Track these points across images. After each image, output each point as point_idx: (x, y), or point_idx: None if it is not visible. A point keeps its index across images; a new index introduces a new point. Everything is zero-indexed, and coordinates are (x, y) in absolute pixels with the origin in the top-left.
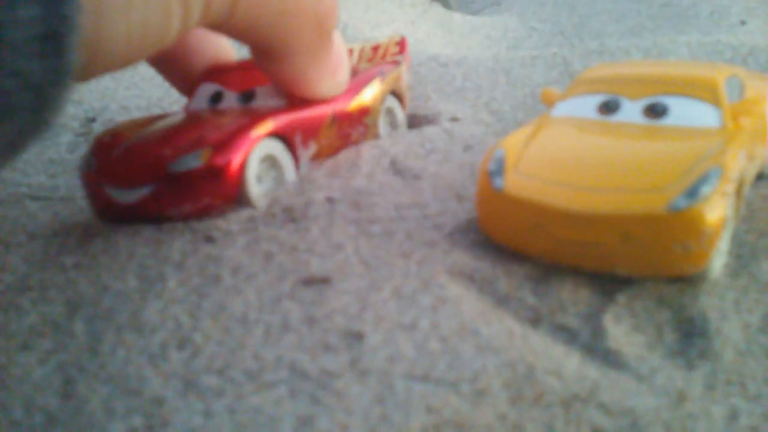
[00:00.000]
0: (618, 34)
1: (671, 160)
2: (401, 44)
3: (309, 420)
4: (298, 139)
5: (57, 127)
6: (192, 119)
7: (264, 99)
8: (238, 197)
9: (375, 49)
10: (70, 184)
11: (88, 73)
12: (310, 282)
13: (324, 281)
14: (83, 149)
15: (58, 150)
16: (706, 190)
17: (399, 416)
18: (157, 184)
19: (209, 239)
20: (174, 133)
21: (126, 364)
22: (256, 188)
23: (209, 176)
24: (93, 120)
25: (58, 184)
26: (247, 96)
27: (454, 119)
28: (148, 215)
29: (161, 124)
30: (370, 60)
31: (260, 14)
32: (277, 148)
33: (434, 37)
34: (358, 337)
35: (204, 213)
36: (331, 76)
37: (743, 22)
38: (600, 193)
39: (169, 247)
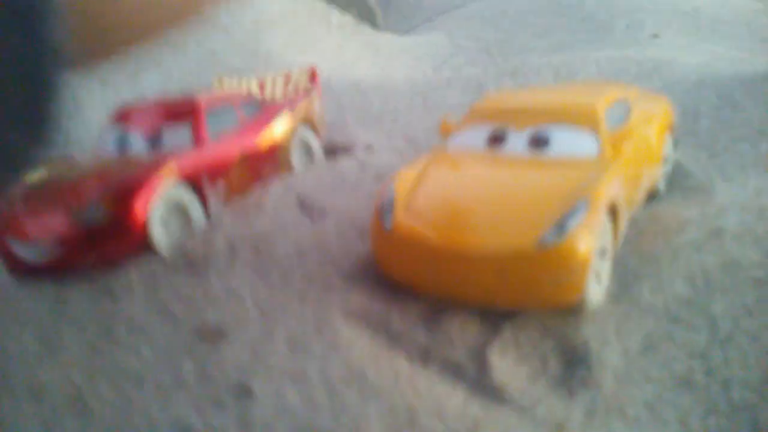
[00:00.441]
0: (540, 49)
1: (546, 194)
2: (312, 74)
3: None
4: (205, 182)
5: None
6: (97, 166)
7: (170, 140)
8: (143, 246)
9: (286, 79)
10: None
11: None
12: (205, 335)
13: (219, 333)
14: None
15: None
16: (572, 224)
17: None
18: (63, 238)
19: (109, 293)
20: (78, 183)
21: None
22: (161, 236)
23: (113, 227)
24: None
25: None
26: (154, 139)
27: (369, 148)
28: (54, 270)
29: (65, 173)
30: (282, 91)
31: None
32: (183, 194)
33: (361, 60)
34: (247, 391)
35: (110, 264)
36: None
37: (656, 35)
38: (478, 231)
39: (69, 305)
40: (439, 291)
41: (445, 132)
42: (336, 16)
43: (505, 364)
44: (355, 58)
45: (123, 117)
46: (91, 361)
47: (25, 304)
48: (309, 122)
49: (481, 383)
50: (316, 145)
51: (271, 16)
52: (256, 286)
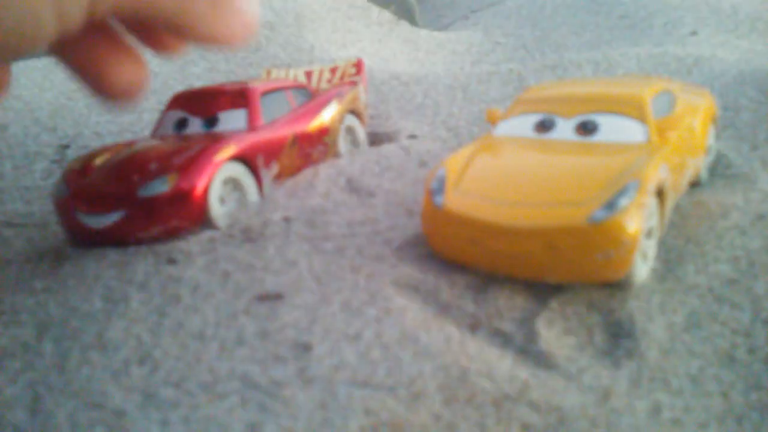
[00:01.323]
0: (577, 46)
1: (595, 175)
2: (358, 65)
3: (257, 426)
4: (260, 161)
5: (31, 154)
6: (158, 145)
7: (226, 123)
8: (202, 219)
9: (333, 70)
10: (44, 210)
11: None
12: (264, 298)
13: (277, 297)
14: (58, 176)
15: (32, 177)
16: (623, 202)
17: (339, 419)
18: (127, 210)
19: (171, 261)
20: (141, 159)
21: (90, 380)
22: (219, 210)
23: (176, 200)
24: (67, 146)
25: (32, 211)
26: (211, 121)
27: (412, 136)
28: (118, 239)
29: (129, 151)
30: (329, 81)
31: None
32: (239, 170)
33: (400, 54)
34: (306, 348)
35: (171, 235)
36: (236, 17)
37: (694, 33)
38: (528, 207)
39: (132, 269)
40: (488, 266)
41: (492, 119)
42: (375, 12)
43: (553, 335)
44: (395, 52)
45: (180, 102)
46: (156, 320)
47: (91, 269)
48: (355, 111)
49: (528, 350)
50: (361, 132)
51: (313, 12)
52: (312, 257)
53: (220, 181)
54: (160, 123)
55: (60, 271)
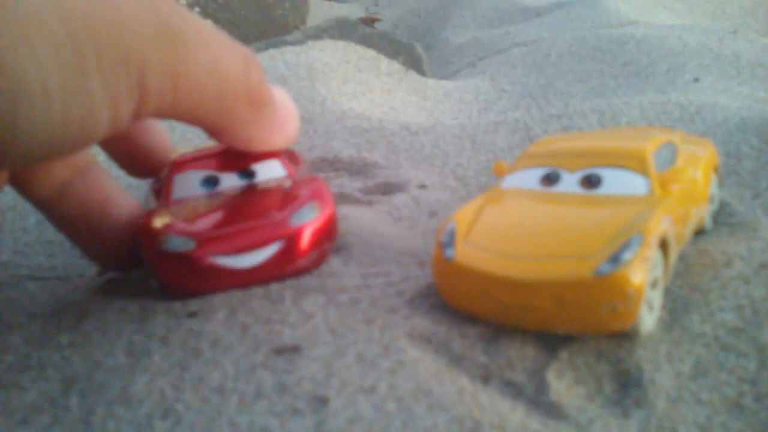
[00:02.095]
0: (582, 94)
1: (600, 228)
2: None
3: None
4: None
5: None
6: (242, 195)
7: (265, 173)
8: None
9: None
10: (67, 263)
11: (6, 163)
12: (281, 351)
13: (295, 350)
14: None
15: (55, 231)
16: (627, 256)
17: None
18: (284, 240)
19: (191, 314)
20: (253, 202)
21: None
22: None
23: (325, 225)
24: None
25: (56, 264)
26: (248, 173)
27: (422, 186)
28: (277, 273)
29: (222, 202)
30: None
31: (201, 100)
32: None
33: (409, 104)
34: (323, 401)
35: (319, 261)
36: (279, 132)
37: (696, 79)
38: (537, 261)
39: (153, 323)
40: (498, 317)
41: (499, 172)
42: (385, 63)
43: (563, 385)
44: (404, 102)
45: (192, 163)
46: (179, 374)
47: (113, 322)
48: None
49: (539, 401)
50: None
51: (325, 65)
52: (327, 309)
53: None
54: (170, 188)
55: (83, 326)
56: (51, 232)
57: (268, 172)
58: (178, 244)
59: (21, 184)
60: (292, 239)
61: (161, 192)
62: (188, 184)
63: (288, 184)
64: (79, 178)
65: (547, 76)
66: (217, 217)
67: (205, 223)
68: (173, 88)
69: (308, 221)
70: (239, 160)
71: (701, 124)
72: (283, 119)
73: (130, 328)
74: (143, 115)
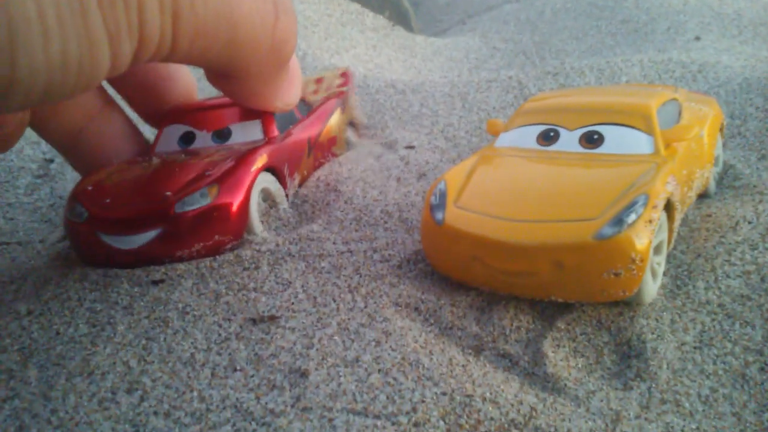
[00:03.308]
0: (578, 52)
1: (602, 189)
2: (345, 76)
3: None
4: (286, 171)
5: (14, 169)
6: (181, 160)
7: (241, 136)
8: (242, 232)
9: (318, 81)
10: (28, 228)
11: (8, 102)
12: (257, 320)
13: (272, 319)
14: (42, 191)
15: (16, 193)
16: (631, 218)
17: None
18: (164, 227)
19: (156, 282)
20: (167, 174)
21: (77, 409)
22: (258, 221)
23: (218, 213)
24: (51, 161)
25: (16, 228)
26: (223, 134)
27: (410, 147)
28: (153, 259)
29: (148, 168)
30: (315, 93)
31: (208, 46)
32: (270, 180)
33: (396, 61)
34: (302, 374)
35: (210, 251)
36: (285, 93)
37: (698, 38)
38: (533, 224)
39: (116, 291)
40: (491, 285)
41: (493, 131)
42: (370, 18)
43: (560, 356)
44: (390, 59)
45: (180, 116)
46: (144, 345)
47: (75, 291)
48: (353, 121)
49: (535, 373)
50: (357, 142)
51: (306, 19)
52: (307, 276)
53: (257, 191)
54: (158, 139)
55: (43, 293)
56: (11, 194)
57: (245, 135)
58: (76, 213)
59: (39, 129)
60: (171, 227)
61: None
62: (170, 138)
63: (225, 156)
64: (93, 124)
65: (542, 33)
66: (123, 188)
67: (107, 195)
68: (174, 30)
69: (193, 209)
70: (220, 119)
71: (704, 84)
72: (292, 83)
73: (92, 297)
74: (145, 58)
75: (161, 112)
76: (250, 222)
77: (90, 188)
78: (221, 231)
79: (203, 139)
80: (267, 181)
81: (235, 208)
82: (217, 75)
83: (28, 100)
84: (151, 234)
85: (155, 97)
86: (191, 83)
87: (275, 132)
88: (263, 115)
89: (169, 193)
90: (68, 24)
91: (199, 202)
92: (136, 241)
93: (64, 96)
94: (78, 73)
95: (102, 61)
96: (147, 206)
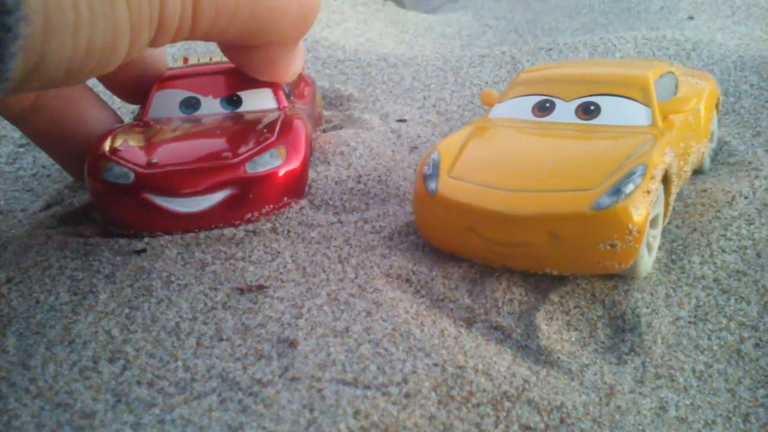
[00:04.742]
0: (571, 30)
1: (599, 160)
2: None
3: (238, 429)
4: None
5: None
6: (213, 123)
7: (252, 103)
8: (303, 193)
9: None
10: (9, 196)
11: (28, 85)
12: (245, 290)
13: (259, 289)
14: (24, 160)
15: None
16: (629, 188)
17: (327, 421)
18: (234, 189)
19: (138, 251)
20: (214, 135)
21: (57, 378)
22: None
23: (289, 174)
24: None
25: None
26: (233, 101)
27: (402, 120)
28: (221, 221)
29: (176, 130)
30: None
31: (229, 24)
32: None
33: (387, 36)
34: (290, 344)
35: (275, 211)
36: (295, 62)
37: (691, 18)
38: (529, 194)
39: (98, 260)
40: (484, 256)
41: (487, 102)
42: None
43: (553, 329)
44: (381, 34)
45: (177, 81)
46: (128, 314)
47: (56, 260)
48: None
49: (528, 346)
50: (345, 116)
51: None
52: (296, 245)
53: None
54: (149, 104)
55: (23, 261)
56: None
57: (257, 102)
58: (118, 175)
59: None
60: (244, 188)
61: (141, 109)
62: (167, 104)
63: (268, 119)
64: (53, 92)
65: (534, 11)
66: (168, 149)
67: (151, 155)
68: (194, 13)
69: (267, 170)
70: (226, 84)
71: (698, 61)
72: (300, 53)
73: (73, 265)
74: (162, 42)
75: (140, 80)
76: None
77: (122, 148)
78: (290, 192)
79: (210, 105)
80: None
81: (300, 168)
82: (230, 45)
83: (47, 83)
84: (218, 196)
85: (126, 68)
86: (162, 54)
87: (286, 102)
88: (273, 84)
89: (230, 153)
90: (98, 13)
91: (270, 162)
92: (199, 203)
93: (79, 80)
94: (98, 59)
95: (121, 49)
96: (212, 167)
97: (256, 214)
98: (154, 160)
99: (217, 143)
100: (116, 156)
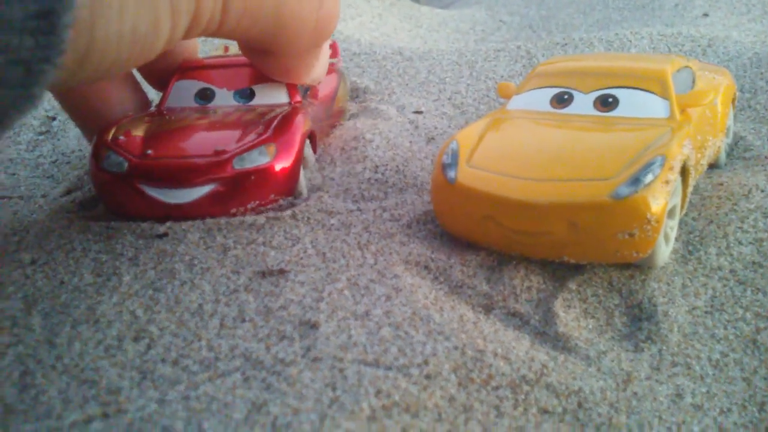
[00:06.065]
0: (585, 26)
1: (618, 150)
2: (333, 48)
3: (262, 405)
4: (315, 133)
5: (17, 125)
6: (221, 114)
7: (266, 97)
8: (293, 191)
9: None
10: (30, 183)
11: (80, 74)
12: (266, 274)
13: (280, 273)
14: (44, 147)
15: (17, 149)
16: (648, 178)
17: (349, 400)
18: (220, 184)
19: (160, 235)
20: (214, 129)
21: (82, 356)
22: (303, 181)
23: (276, 172)
24: (53, 118)
25: (17, 183)
26: (246, 94)
27: (418, 112)
28: (204, 214)
29: (181, 122)
30: None
31: (253, 24)
32: (306, 143)
33: (401, 31)
34: (312, 326)
35: (261, 208)
36: (317, 67)
37: (706, 15)
38: (548, 183)
39: (121, 243)
40: (502, 245)
41: (505, 94)
42: None
43: (571, 316)
44: (396, 28)
45: (194, 72)
46: (151, 295)
47: (79, 242)
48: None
49: (546, 333)
50: (362, 108)
51: None
52: (316, 232)
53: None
54: (168, 93)
55: (47, 244)
56: (13, 150)
57: (270, 96)
58: (114, 163)
59: None
60: (229, 184)
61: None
62: (183, 94)
63: (270, 115)
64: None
65: (548, 7)
66: (166, 140)
67: (148, 146)
68: (224, 8)
69: (254, 167)
70: (242, 77)
71: (714, 57)
72: (322, 58)
73: (96, 248)
74: (194, 34)
75: (169, 69)
76: (300, 182)
77: (122, 138)
78: (277, 190)
79: (224, 97)
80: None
81: (291, 167)
82: (252, 49)
83: (96, 72)
84: (203, 189)
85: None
86: (193, 42)
87: (299, 98)
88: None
89: (222, 148)
90: (142, 2)
91: (258, 159)
92: (185, 195)
93: (123, 69)
94: (141, 47)
95: (162, 36)
96: (200, 160)
97: (242, 209)
98: (149, 152)
99: (214, 137)
100: (116, 145)
